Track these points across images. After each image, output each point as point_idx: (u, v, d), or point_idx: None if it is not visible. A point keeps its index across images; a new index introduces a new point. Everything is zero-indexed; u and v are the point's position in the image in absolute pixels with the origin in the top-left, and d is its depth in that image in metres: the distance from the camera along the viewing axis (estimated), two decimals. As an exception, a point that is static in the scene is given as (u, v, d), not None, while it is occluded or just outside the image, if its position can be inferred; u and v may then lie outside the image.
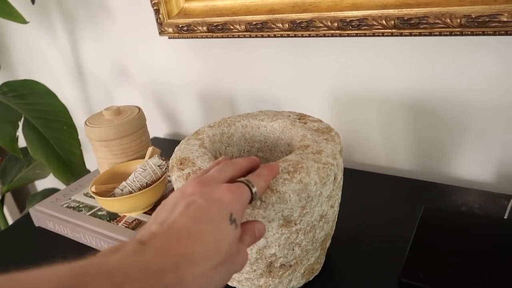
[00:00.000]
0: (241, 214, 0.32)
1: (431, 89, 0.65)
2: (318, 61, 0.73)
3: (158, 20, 0.82)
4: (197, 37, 0.81)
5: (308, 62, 0.75)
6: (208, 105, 0.94)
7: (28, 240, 0.66)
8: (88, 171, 0.90)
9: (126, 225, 0.61)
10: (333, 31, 0.64)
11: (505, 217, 0.54)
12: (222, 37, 0.78)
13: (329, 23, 0.63)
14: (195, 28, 0.78)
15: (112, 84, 1.09)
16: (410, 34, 0.58)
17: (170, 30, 0.82)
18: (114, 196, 0.61)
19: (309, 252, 0.45)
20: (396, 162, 0.75)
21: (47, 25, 1.11)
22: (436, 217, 0.51)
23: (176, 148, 0.50)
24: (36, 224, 0.69)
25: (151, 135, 0.99)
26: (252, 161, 0.39)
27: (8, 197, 1.55)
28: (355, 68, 0.70)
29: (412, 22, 0.56)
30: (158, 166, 0.62)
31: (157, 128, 1.07)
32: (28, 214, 0.70)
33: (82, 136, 0.86)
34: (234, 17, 0.73)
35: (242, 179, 0.36)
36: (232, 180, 0.36)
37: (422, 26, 0.56)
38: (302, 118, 0.53)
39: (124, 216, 0.63)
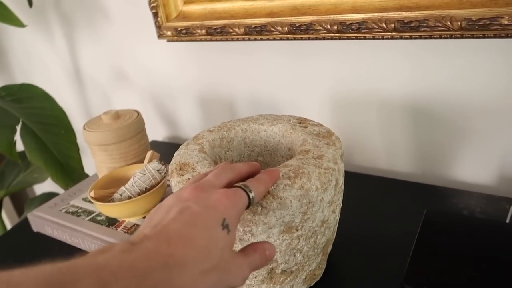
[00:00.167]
0: (235, 221, 0.32)
1: (431, 92, 0.64)
2: (318, 64, 0.73)
3: (157, 23, 0.82)
4: (196, 40, 0.81)
5: (308, 65, 0.74)
6: (207, 108, 0.93)
7: (26, 246, 0.66)
8: (87, 176, 0.89)
9: (125, 230, 0.61)
10: (332, 34, 0.64)
11: (507, 221, 0.53)
12: (221, 40, 0.77)
13: (329, 26, 0.63)
14: (194, 32, 0.78)
15: (111, 87, 1.08)
16: (410, 37, 0.58)
17: (169, 33, 0.81)
18: (113, 201, 0.61)
19: (310, 258, 0.45)
20: (396, 165, 0.74)
21: (45, 29, 1.10)
22: (438, 221, 0.50)
23: (176, 153, 0.49)
24: (35, 230, 0.68)
25: (150, 138, 0.98)
26: (252, 166, 0.39)
27: (6, 202, 1.54)
28: (355, 71, 0.70)
29: (412, 25, 0.56)
30: (157, 170, 0.62)
31: (156, 132, 1.06)
32: (26, 219, 0.69)
33: (80, 140, 0.86)
34: (233, 20, 0.73)
35: (240, 184, 0.35)
36: (230, 185, 0.36)
37: (422, 29, 0.56)
38: (302, 122, 0.52)
39: (123, 221, 0.63)
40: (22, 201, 1.50)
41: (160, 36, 0.83)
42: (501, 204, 0.60)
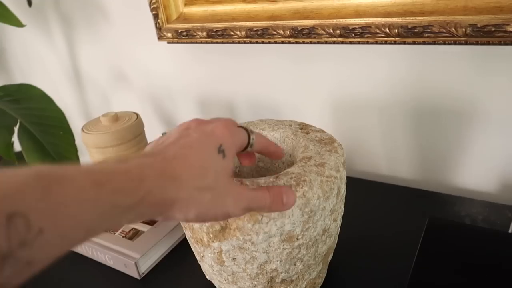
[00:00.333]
0: (232, 148, 0.32)
1: (433, 98, 0.64)
2: (320, 68, 0.72)
3: (157, 25, 0.81)
4: (196, 43, 0.80)
5: (310, 69, 0.74)
6: (208, 111, 0.92)
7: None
8: (85, 177, 0.88)
9: (123, 234, 0.60)
10: (335, 39, 0.63)
11: (510, 231, 0.53)
12: (222, 42, 0.77)
13: (331, 31, 0.62)
14: (195, 34, 0.77)
15: (110, 89, 1.07)
16: (414, 43, 0.57)
17: (169, 35, 0.81)
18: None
19: (311, 266, 0.44)
20: (397, 170, 0.74)
21: (44, 29, 1.09)
22: (440, 230, 0.50)
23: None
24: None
25: (149, 141, 0.97)
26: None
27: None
28: (357, 76, 0.69)
29: (416, 30, 0.55)
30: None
31: (155, 134, 1.06)
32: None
33: (79, 141, 0.85)
34: (235, 23, 0.72)
35: (243, 125, 0.35)
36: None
37: (426, 35, 0.55)
38: (304, 127, 0.51)
39: (121, 225, 0.62)
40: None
41: (160, 38, 0.82)
42: (504, 212, 0.59)
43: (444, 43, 0.55)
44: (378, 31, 0.58)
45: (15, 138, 0.85)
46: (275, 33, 0.68)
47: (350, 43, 0.63)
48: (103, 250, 0.57)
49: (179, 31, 0.79)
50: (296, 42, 0.68)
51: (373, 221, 0.61)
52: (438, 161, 0.68)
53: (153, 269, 0.57)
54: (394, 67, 0.65)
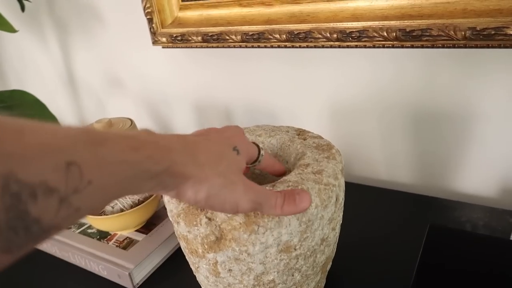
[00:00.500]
0: (245, 153, 0.35)
1: (432, 102, 0.63)
2: (317, 72, 0.71)
3: (152, 30, 0.80)
4: (191, 47, 0.79)
5: (307, 73, 0.73)
6: (203, 116, 0.91)
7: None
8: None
9: (117, 244, 0.59)
10: (332, 43, 0.62)
11: (511, 238, 0.52)
12: (218, 47, 0.76)
13: (328, 34, 0.61)
14: (190, 38, 0.76)
15: (105, 94, 1.06)
16: (412, 46, 0.57)
17: (164, 39, 0.79)
18: (104, 214, 0.59)
19: (309, 277, 0.43)
20: (396, 175, 0.72)
21: (38, 34, 1.08)
22: (441, 238, 0.49)
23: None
24: (23, 242, 0.66)
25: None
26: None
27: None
28: (355, 80, 0.68)
29: (414, 34, 0.54)
30: (151, 182, 0.59)
31: (150, 139, 1.04)
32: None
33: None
34: (230, 27, 0.71)
35: (255, 141, 0.40)
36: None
37: (424, 38, 0.54)
38: (301, 133, 0.50)
39: (115, 234, 0.61)
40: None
41: (155, 42, 0.81)
42: (504, 218, 0.58)
43: (443, 47, 0.54)
44: (375, 34, 0.57)
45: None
46: (271, 37, 0.67)
47: (347, 47, 0.62)
48: (96, 260, 0.56)
49: (174, 35, 0.78)
50: (293, 46, 0.67)
51: (373, 228, 0.59)
52: (437, 165, 0.67)
53: (147, 280, 0.55)
54: (392, 71, 0.64)
